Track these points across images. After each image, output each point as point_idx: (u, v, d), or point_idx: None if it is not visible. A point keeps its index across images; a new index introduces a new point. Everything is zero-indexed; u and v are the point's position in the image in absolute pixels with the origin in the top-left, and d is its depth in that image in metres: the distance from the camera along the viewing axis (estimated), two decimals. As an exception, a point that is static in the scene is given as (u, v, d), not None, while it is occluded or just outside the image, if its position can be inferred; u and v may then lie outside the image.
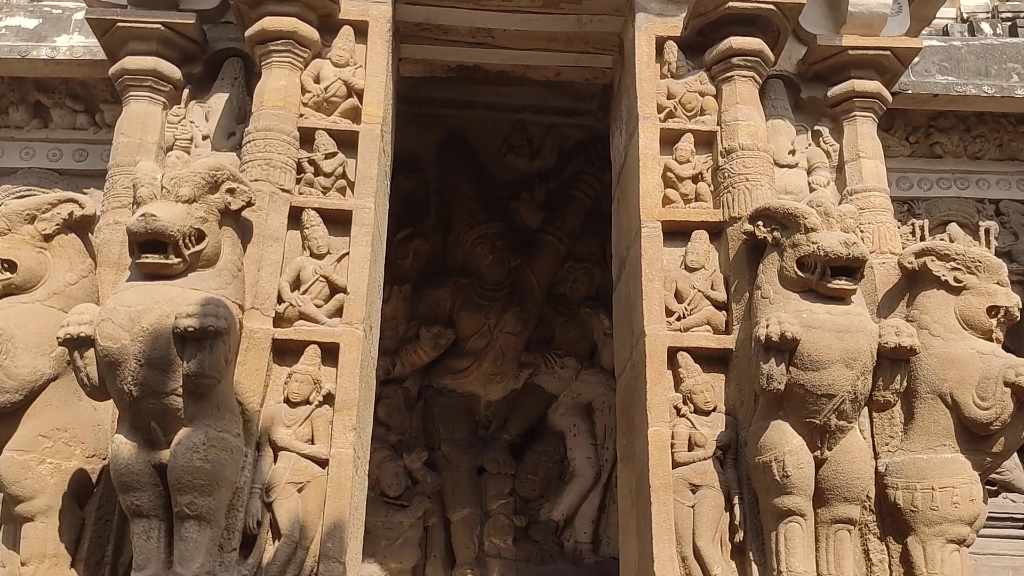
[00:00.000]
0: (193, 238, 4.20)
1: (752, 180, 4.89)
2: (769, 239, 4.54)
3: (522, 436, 7.54)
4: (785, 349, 4.21)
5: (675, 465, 4.54)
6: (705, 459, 4.54)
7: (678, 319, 4.79)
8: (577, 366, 7.59)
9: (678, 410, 4.65)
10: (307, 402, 4.56)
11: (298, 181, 4.95)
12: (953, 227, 7.50)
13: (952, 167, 7.73)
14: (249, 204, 4.48)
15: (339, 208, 4.88)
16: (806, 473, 4.23)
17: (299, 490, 4.42)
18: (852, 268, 4.29)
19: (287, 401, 4.57)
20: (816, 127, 5.62)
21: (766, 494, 4.31)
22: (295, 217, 4.87)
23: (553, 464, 7.37)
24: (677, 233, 4.99)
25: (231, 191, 4.38)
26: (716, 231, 4.99)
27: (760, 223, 4.58)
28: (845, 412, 4.27)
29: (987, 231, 5.67)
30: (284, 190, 4.82)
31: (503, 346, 7.63)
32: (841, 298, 4.36)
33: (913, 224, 5.91)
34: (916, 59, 6.33)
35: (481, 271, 7.73)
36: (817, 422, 4.26)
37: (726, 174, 4.97)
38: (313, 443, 4.51)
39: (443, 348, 7.57)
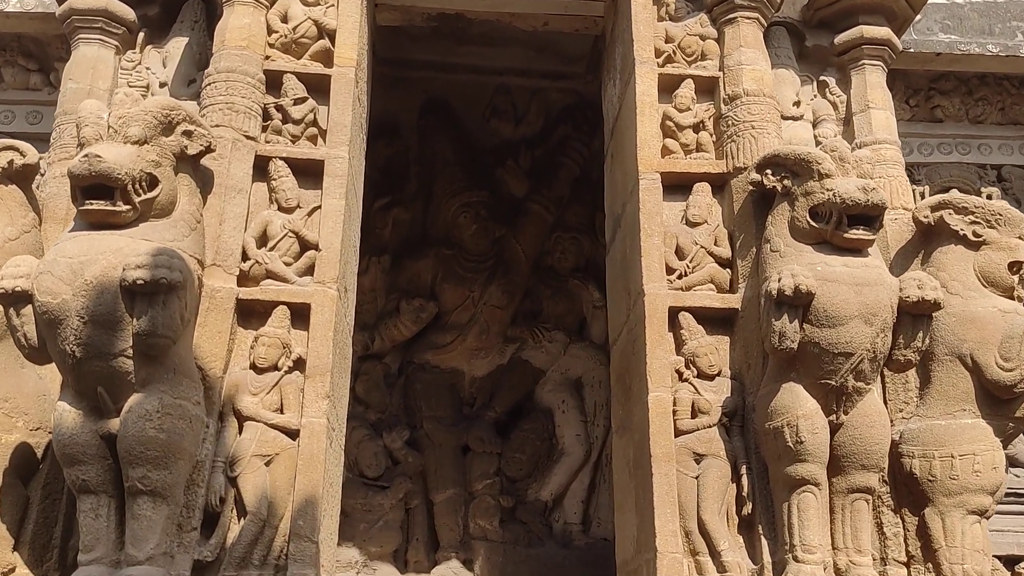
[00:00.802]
0: (144, 183, 3.75)
1: (758, 128, 4.49)
2: (779, 188, 4.15)
3: (508, 413, 7.13)
4: (799, 304, 3.82)
5: (677, 433, 4.15)
6: (710, 427, 4.15)
7: (679, 277, 4.39)
8: (566, 340, 7.18)
9: (680, 374, 4.26)
10: (275, 368, 4.13)
11: (264, 129, 4.51)
12: (954, 193, 7.14)
13: (953, 131, 7.39)
14: (208, 150, 4.04)
15: (309, 158, 4.44)
16: (821, 439, 3.84)
17: (267, 464, 4.00)
18: (870, 216, 3.91)
19: (253, 367, 4.14)
20: (822, 77, 5.24)
21: (777, 462, 3.93)
22: (261, 168, 4.44)
23: (541, 442, 6.96)
24: (677, 187, 4.59)
25: (187, 134, 3.94)
26: (719, 183, 4.59)
27: (769, 171, 4.19)
28: (863, 372, 3.89)
29: (989, 198, 5.32)
30: (249, 137, 4.38)
31: (488, 320, 7.21)
32: (858, 250, 3.98)
33: (913, 191, 5.54)
34: (918, 17, 5.95)
35: (464, 241, 7.30)
36: (833, 383, 3.87)
37: (730, 122, 4.57)
38: (282, 412, 4.09)
39: (425, 322, 7.13)
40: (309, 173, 4.47)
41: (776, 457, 3.93)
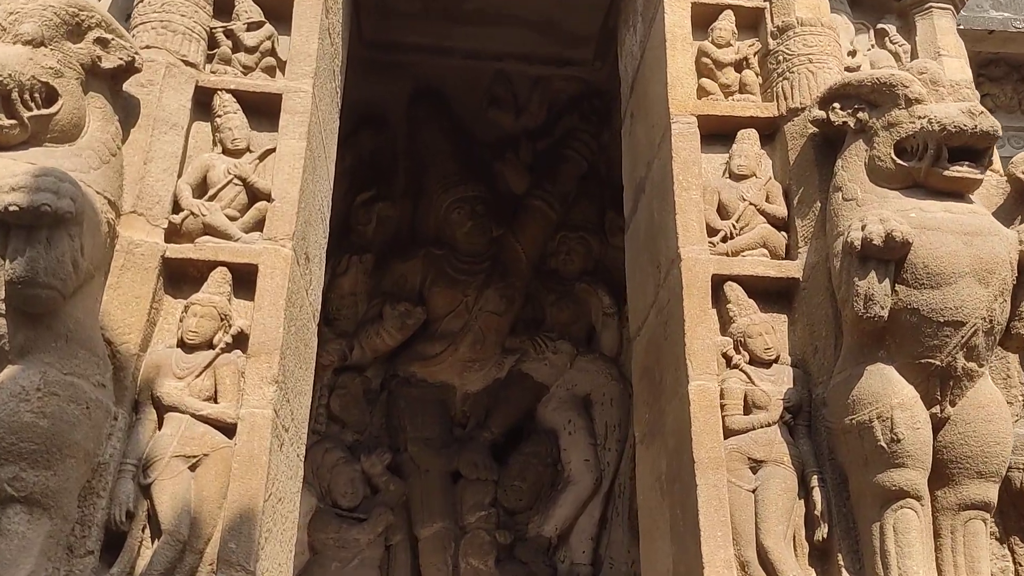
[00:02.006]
0: (38, 96, 2.86)
1: (817, 62, 3.60)
2: (851, 124, 3.25)
3: (506, 435, 6.14)
4: (891, 258, 2.89)
5: (727, 434, 3.18)
6: (768, 425, 3.19)
7: (724, 239, 3.47)
8: (572, 351, 6.20)
9: (728, 359, 3.30)
10: (210, 345, 3.18)
11: (210, 59, 3.61)
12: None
13: (1005, 123, 6.47)
14: (131, 69, 3.15)
15: (264, 91, 3.54)
16: (923, 436, 2.89)
17: (192, 467, 3.02)
18: (977, 149, 3.01)
19: (182, 344, 3.18)
20: (880, 25, 4.37)
21: (863, 470, 2.96)
22: (203, 103, 3.53)
23: (544, 468, 5.95)
24: (716, 137, 3.68)
25: (102, 43, 3.05)
26: (769, 130, 3.69)
27: (836, 105, 3.29)
28: (976, 349, 2.94)
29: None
30: (188, 63, 3.47)
31: (483, 327, 6.24)
32: (960, 193, 3.06)
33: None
34: (968, -9, 5.12)
35: (457, 240, 6.38)
36: (937, 364, 2.93)
37: (780, 57, 3.68)
38: (216, 401, 3.11)
39: (411, 329, 6.17)
40: (264, 112, 3.56)
41: (861, 463, 2.96)
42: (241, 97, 3.52)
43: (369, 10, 6.46)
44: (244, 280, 3.29)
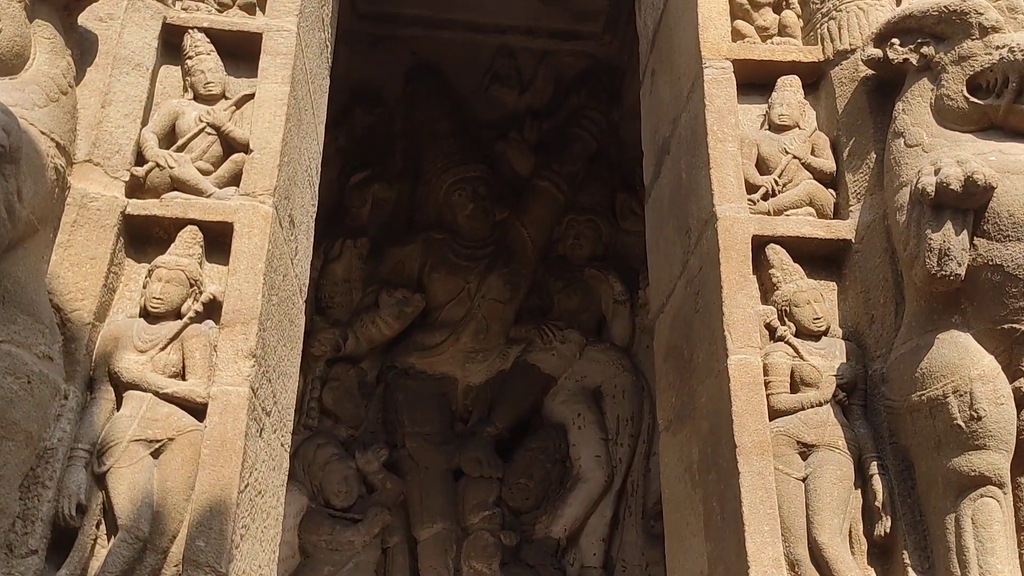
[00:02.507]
0: (-29, 18, 2.40)
1: (867, -1, 3.16)
2: (913, 61, 2.83)
3: (511, 430, 5.71)
4: (970, 206, 2.48)
5: (773, 415, 2.75)
6: (820, 404, 2.76)
7: (764, 197, 3.04)
8: (581, 341, 5.78)
9: (772, 331, 2.88)
10: (177, 315, 2.74)
11: (182, -5, 3.17)
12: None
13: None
14: (87, -4, 2.70)
15: (242, 30, 3.12)
16: (1007, 412, 2.46)
17: (154, 453, 2.58)
18: (1066, 82, 2.56)
19: (145, 313, 2.75)
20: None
21: (933, 453, 2.53)
22: (173, 45, 3.11)
23: (552, 465, 5.53)
24: (753, 86, 3.26)
25: (52, -36, 2.60)
26: (813, 77, 3.26)
27: (896, 41, 2.87)
28: (1068, 313, 2.50)
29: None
30: (155, -3, 3.03)
31: (487, 316, 5.82)
32: (1044, 134, 2.62)
33: None
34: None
35: (459, 224, 5.97)
36: (1023, 329, 2.47)
37: (825, -5, 3.25)
38: (184, 378, 2.67)
39: (410, 318, 5.75)
40: (242, 55, 3.14)
41: (931, 445, 2.53)
42: (216, 37, 3.10)
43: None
44: (218, 242, 2.86)
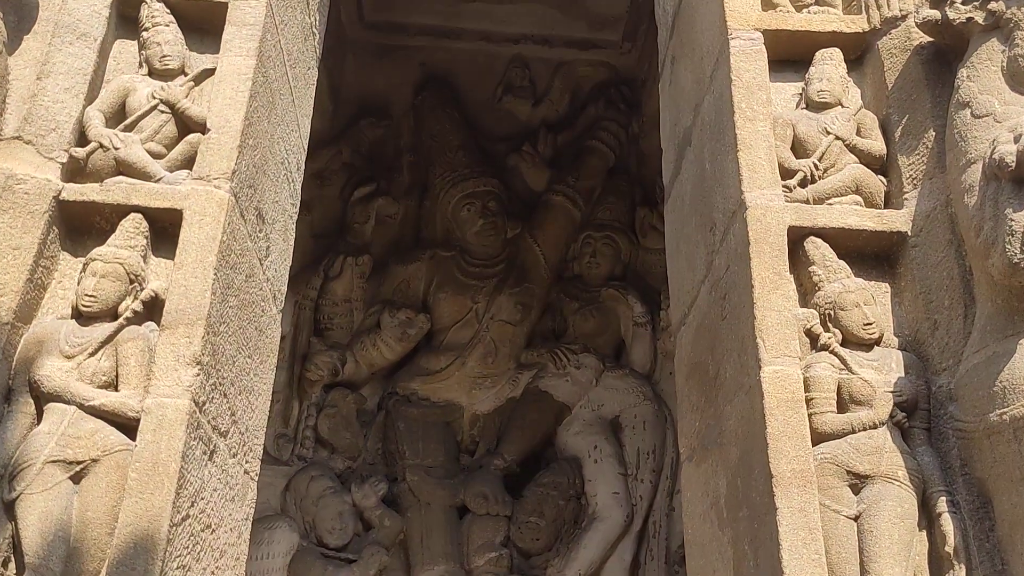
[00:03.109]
0: None
1: (918, -40, 2.73)
2: (978, 20, 2.40)
3: (521, 463, 5.24)
4: (1059, 181, 1.99)
5: (817, 438, 2.28)
6: (874, 427, 2.29)
7: (802, 183, 2.60)
8: (598, 366, 5.32)
9: (814, 338, 2.42)
10: (112, 315, 2.32)
11: (141, -37, 2.80)
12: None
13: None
14: (21, -50, 2.34)
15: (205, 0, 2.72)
16: (1114, 438, 1.96)
17: (75, 477, 2.17)
18: None
19: (76, 314, 2.33)
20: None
21: (1018, 486, 2.04)
22: (130, 18, 2.74)
23: (565, 502, 5.04)
24: (787, 62, 2.84)
25: (-24, -90, 2.24)
26: (855, 51, 2.84)
27: (958, 2, 2.42)
28: None
29: None
30: (106, -39, 2.66)
31: (496, 339, 5.39)
32: None
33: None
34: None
35: (467, 241, 5.57)
36: None
37: (868, -41, 2.82)
38: (115, 388, 2.25)
39: (413, 341, 5.33)
40: (207, 28, 2.78)
41: (1018, 476, 2.06)
42: (177, 8, 2.74)
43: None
44: (167, 233, 2.47)
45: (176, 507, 2.16)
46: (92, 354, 2.26)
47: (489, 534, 4.94)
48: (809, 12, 2.86)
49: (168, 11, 2.71)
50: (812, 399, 2.32)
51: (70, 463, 2.14)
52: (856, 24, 2.81)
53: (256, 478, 2.96)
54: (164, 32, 2.66)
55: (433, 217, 5.81)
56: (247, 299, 2.70)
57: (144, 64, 2.67)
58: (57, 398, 2.20)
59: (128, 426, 2.22)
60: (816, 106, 2.72)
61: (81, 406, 2.20)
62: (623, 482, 5.04)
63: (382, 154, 5.96)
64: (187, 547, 2.25)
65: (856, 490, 2.24)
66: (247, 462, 2.84)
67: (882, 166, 2.65)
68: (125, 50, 2.73)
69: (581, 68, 6.10)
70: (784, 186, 2.57)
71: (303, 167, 3.42)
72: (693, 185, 3.11)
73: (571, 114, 6.09)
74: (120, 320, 2.31)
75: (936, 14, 2.50)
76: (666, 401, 5.29)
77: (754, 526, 2.33)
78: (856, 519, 2.21)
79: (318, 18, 3.52)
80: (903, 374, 2.35)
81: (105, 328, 2.30)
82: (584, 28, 6.01)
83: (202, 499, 2.37)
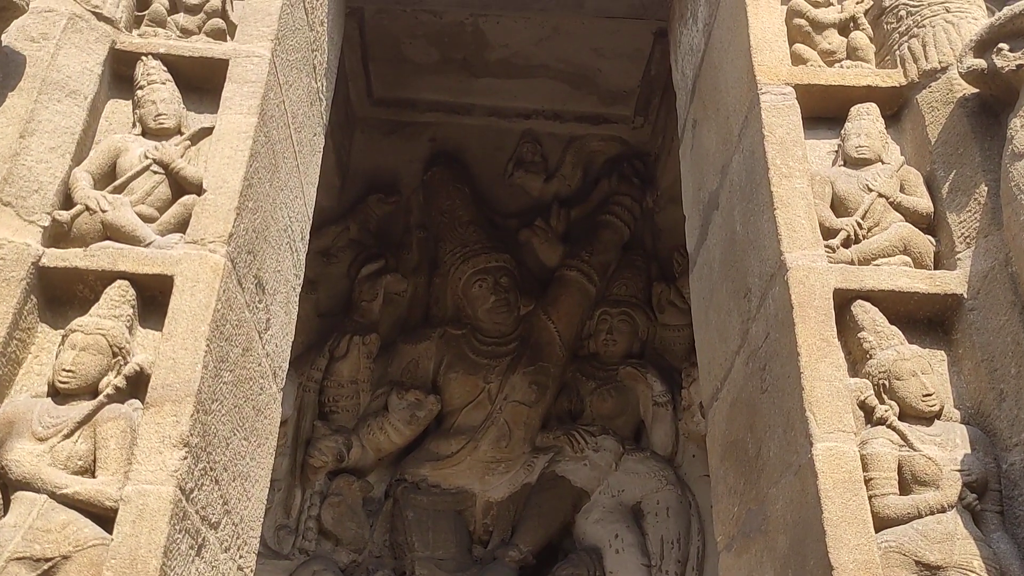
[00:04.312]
0: None
1: (957, 11, 2.60)
2: (1031, 67, 2.20)
3: (538, 554, 4.92)
4: None
5: (879, 524, 2.02)
6: (942, 510, 2.04)
7: (845, 244, 2.40)
8: (618, 449, 5.05)
9: (869, 411, 2.18)
10: (93, 393, 2.10)
11: (138, 22, 2.67)
12: None
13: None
14: (10, 7, 2.20)
15: (204, 56, 2.60)
16: None
17: (42, 576, 1.89)
18: None
19: (52, 391, 2.11)
20: None
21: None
22: (125, 77, 2.59)
23: (586, 596, 4.69)
24: (820, 119, 2.67)
25: (-39, -37, 2.11)
26: (893, 106, 2.68)
27: (1004, 47, 2.28)
28: None
29: None
30: (102, 18, 2.55)
31: (510, 421, 5.13)
32: None
33: None
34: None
35: (479, 318, 5.37)
36: None
37: (903, 12, 2.71)
38: (93, 475, 2.01)
39: (423, 424, 5.08)
40: (206, 88, 2.62)
41: (1115, 565, 1.77)
42: (174, 66, 2.59)
43: (380, 62, 5.68)
44: (156, 302, 2.26)
45: (156, 610, 1.90)
46: (67, 436, 2.04)
47: (505, 632, 4.60)
48: (841, 66, 2.71)
49: (165, 69, 2.56)
50: (871, 479, 2.07)
51: (37, 560, 1.90)
52: (892, 78, 2.65)
53: (252, 575, 2.70)
54: (160, 90, 2.51)
55: (443, 294, 5.62)
56: (244, 375, 2.48)
57: (138, 124, 2.52)
58: (26, 486, 1.97)
59: (106, 517, 1.98)
60: (855, 163, 2.54)
61: (53, 495, 1.96)
62: (647, 574, 4.72)
63: (391, 231, 5.81)
64: (168, 656, 1.98)
65: (927, 584, 1.97)
66: (241, 557, 2.58)
67: (929, 225, 2.46)
68: (118, 110, 2.57)
69: (593, 143, 5.99)
70: (826, 246, 2.37)
71: (308, 237, 3.25)
72: (723, 250, 2.91)
73: (584, 189, 5.95)
74: (100, 398, 2.09)
75: (982, 63, 2.34)
76: (690, 486, 5.01)
77: (811, 626, 2.06)
78: (929, 618, 1.94)
79: (325, 84, 3.40)
80: (969, 451, 2.11)
81: (83, 407, 2.08)
82: (595, 103, 5.92)
83: (187, 599, 2.11)
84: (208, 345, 2.17)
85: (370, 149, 5.95)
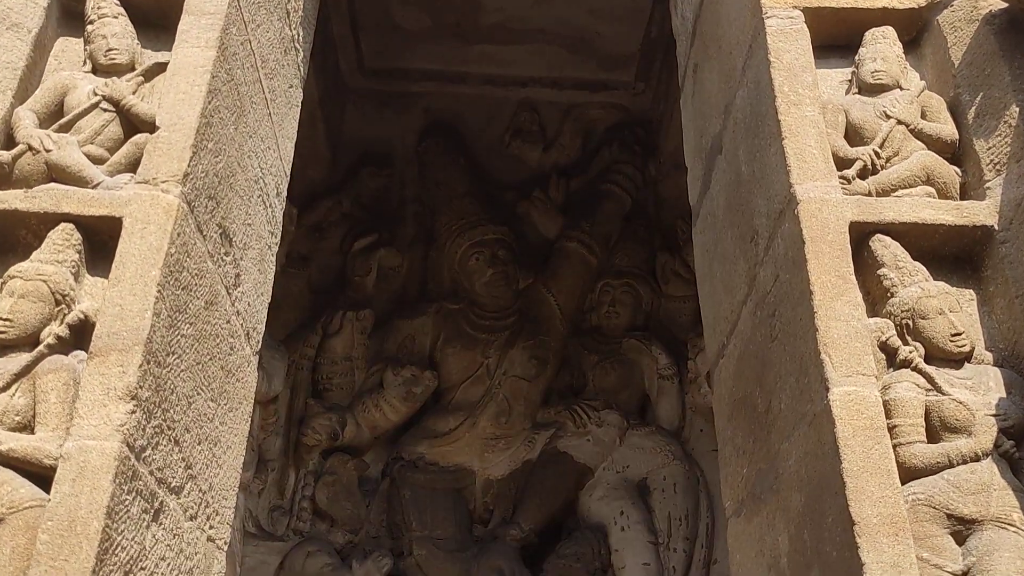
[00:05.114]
0: None
1: (980, -78, 2.36)
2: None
3: (541, 532, 4.71)
4: None
5: (905, 475, 1.80)
6: (976, 459, 1.81)
7: (862, 174, 2.17)
8: (622, 424, 4.83)
9: (891, 353, 1.95)
10: (33, 343, 1.89)
11: (91, -46, 2.46)
12: None
13: None
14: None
15: (160, -13, 2.37)
16: None
17: (-29, 542, 1.68)
18: None
19: (-10, 342, 1.90)
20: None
21: None
22: (75, 13, 2.37)
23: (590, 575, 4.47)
24: (831, 48, 2.43)
25: None
26: (911, 31, 2.45)
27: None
28: None
29: None
30: (48, -54, 2.31)
31: (509, 396, 4.92)
32: None
33: None
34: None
35: (476, 292, 5.16)
36: None
37: (920, -74, 2.45)
38: (31, 430, 1.80)
39: (420, 400, 4.87)
40: (163, 24, 2.41)
41: None
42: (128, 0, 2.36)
43: (370, 31, 5.47)
44: (106, 248, 2.05)
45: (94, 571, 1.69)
46: (4, 389, 1.84)
47: (506, 613, 4.39)
48: (853, -14, 2.48)
49: (117, 2, 2.35)
50: (895, 427, 1.85)
51: (-34, 523, 1.69)
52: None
53: (225, 547, 2.49)
54: (112, 24, 2.30)
55: (439, 269, 5.41)
56: (208, 331, 2.27)
57: (88, 60, 2.30)
58: (-46, 444, 1.76)
59: (45, 477, 1.77)
60: (871, 89, 2.31)
61: (-16, 453, 1.75)
62: (654, 552, 4.50)
63: (384, 204, 5.61)
64: (117, 630, 1.78)
65: (960, 539, 1.76)
66: (212, 528, 2.38)
67: (954, 154, 2.23)
68: (69, 48, 2.37)
69: (593, 111, 5.78)
70: (841, 177, 2.14)
71: (284, 195, 3.03)
72: (727, 195, 2.69)
73: (583, 159, 5.74)
74: (40, 348, 1.88)
75: (1012, -28, 2.10)
76: (698, 461, 4.79)
77: (833, 588, 1.84)
78: (964, 576, 1.72)
79: (301, 33, 3.18)
80: (1004, 394, 1.88)
81: (22, 358, 1.87)
82: (595, 69, 5.70)
83: (143, 569, 1.91)
84: (160, 291, 1.96)
85: (362, 121, 5.74)
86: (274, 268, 2.93)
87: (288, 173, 3.08)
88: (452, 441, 4.81)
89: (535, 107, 5.76)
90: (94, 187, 2.08)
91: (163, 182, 2.06)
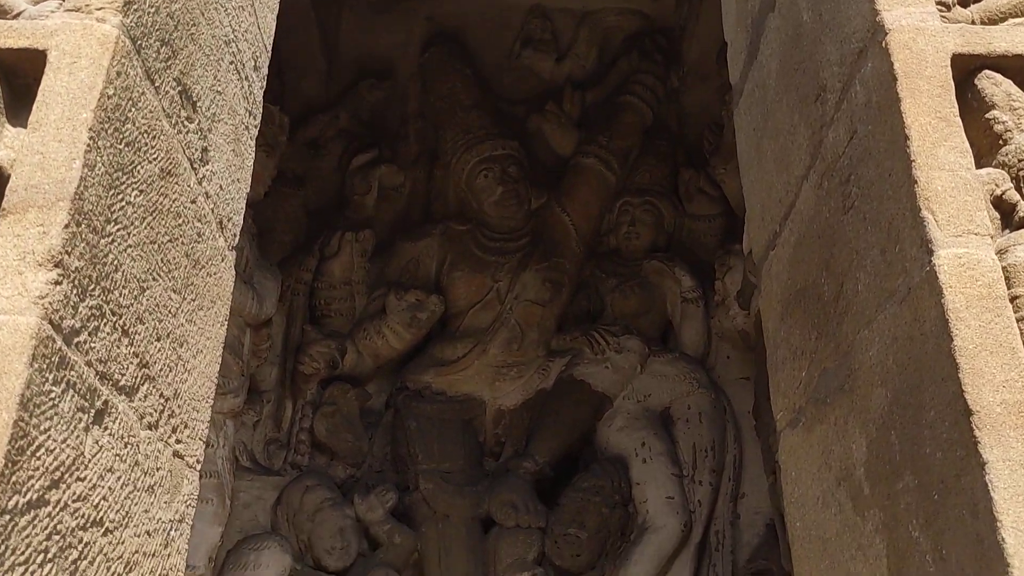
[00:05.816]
0: None
1: None
2: None
3: (556, 465, 4.37)
4: None
5: (1033, 357, 1.40)
6: (1125, 337, 1.39)
7: (963, 3, 1.74)
8: (643, 350, 4.47)
9: (1007, 210, 1.54)
10: (-62, 202, 1.50)
11: None
12: None
13: None
14: None
15: None
16: None
17: None
18: None
19: None
20: None
21: None
22: None
23: (610, 510, 4.18)
24: None
25: None
26: None
27: None
28: None
29: None
30: None
31: (521, 322, 4.57)
32: None
33: None
34: None
35: (485, 212, 4.78)
36: None
37: None
38: (-71, 308, 1.42)
39: (425, 326, 4.52)
40: None
41: None
42: None
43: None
44: (30, 92, 1.65)
45: (15, 483, 1.32)
46: None
47: (520, 550, 4.07)
48: None
49: None
50: (1017, 297, 1.46)
51: None
52: None
53: (197, 465, 2.13)
54: None
55: (444, 188, 5.03)
56: (165, 205, 1.88)
57: None
58: None
59: (-54, 362, 1.39)
60: (966, -99, 1.87)
61: None
62: (678, 485, 4.17)
63: (385, 120, 5.21)
64: (43, 550, 1.41)
65: (1108, 436, 1.36)
66: (180, 442, 2.01)
67: (1076, -25, 1.80)
68: None
69: (610, 17, 5.35)
70: (939, 3, 1.72)
71: (264, 71, 2.62)
72: (782, 56, 2.27)
73: (600, 70, 5.32)
74: (-57, 206, 1.49)
75: None
76: (724, 389, 4.45)
77: (932, 498, 1.46)
78: (1114, 482, 1.33)
79: None
80: None
81: (-79, 219, 1.48)
82: (613, -30, 5.26)
83: (81, 480, 1.54)
84: (93, 139, 1.56)
85: (360, 30, 5.32)
86: (253, 154, 2.54)
87: (269, 48, 2.67)
88: (460, 369, 4.47)
89: (547, 14, 5.35)
90: (14, 17, 1.68)
91: (98, 9, 1.66)
